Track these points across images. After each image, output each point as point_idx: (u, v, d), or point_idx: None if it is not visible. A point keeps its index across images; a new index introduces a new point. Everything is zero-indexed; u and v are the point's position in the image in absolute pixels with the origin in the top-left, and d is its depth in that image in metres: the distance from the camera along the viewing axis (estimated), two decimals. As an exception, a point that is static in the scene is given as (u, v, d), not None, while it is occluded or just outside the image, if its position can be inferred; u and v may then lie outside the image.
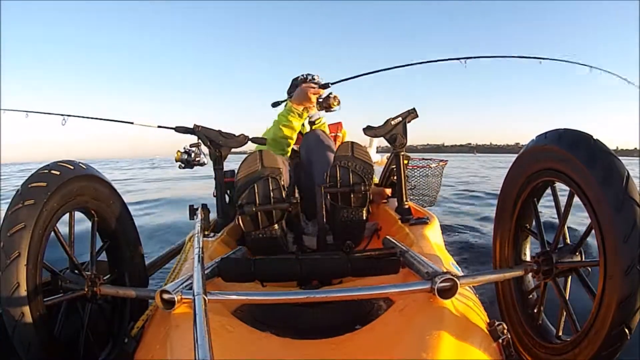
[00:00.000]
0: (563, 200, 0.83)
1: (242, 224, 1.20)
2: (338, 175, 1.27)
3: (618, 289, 0.65)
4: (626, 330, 0.65)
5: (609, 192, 0.67)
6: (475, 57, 1.63)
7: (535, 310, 0.90)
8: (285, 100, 1.77)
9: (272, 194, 1.18)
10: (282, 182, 1.20)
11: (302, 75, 1.86)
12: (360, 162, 1.29)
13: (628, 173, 0.67)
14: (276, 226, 1.22)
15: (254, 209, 1.16)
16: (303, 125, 1.87)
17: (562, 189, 0.85)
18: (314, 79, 1.83)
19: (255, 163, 1.21)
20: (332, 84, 1.71)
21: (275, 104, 1.86)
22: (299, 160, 1.67)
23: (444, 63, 1.66)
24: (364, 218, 1.32)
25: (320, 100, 1.72)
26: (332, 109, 1.75)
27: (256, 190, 1.17)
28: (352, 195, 1.27)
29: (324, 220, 1.29)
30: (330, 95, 1.73)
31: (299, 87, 1.68)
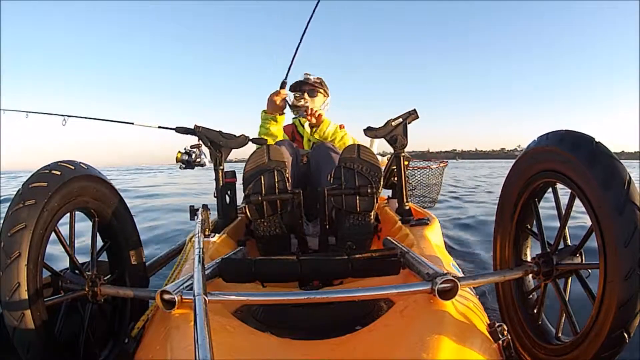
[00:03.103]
0: (564, 202, 0.83)
1: (248, 212, 1.24)
2: (342, 176, 1.22)
3: (618, 292, 0.65)
4: (625, 334, 0.65)
5: (610, 195, 0.67)
6: None
7: (535, 311, 0.90)
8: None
9: (277, 185, 1.22)
10: (287, 175, 1.24)
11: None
12: (366, 164, 1.24)
13: (629, 176, 0.67)
14: (279, 217, 1.24)
15: (259, 199, 1.20)
16: (303, 127, 1.89)
17: (564, 190, 0.85)
18: (309, 78, 1.85)
19: (262, 156, 1.26)
20: (285, 79, 1.77)
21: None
22: (306, 168, 1.65)
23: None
24: (372, 223, 1.26)
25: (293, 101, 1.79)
26: (297, 102, 1.80)
27: (262, 182, 1.21)
28: (357, 198, 1.21)
29: (327, 225, 1.29)
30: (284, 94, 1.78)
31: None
